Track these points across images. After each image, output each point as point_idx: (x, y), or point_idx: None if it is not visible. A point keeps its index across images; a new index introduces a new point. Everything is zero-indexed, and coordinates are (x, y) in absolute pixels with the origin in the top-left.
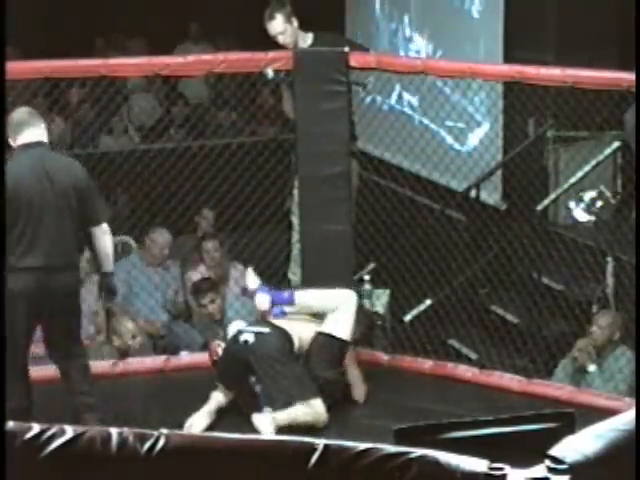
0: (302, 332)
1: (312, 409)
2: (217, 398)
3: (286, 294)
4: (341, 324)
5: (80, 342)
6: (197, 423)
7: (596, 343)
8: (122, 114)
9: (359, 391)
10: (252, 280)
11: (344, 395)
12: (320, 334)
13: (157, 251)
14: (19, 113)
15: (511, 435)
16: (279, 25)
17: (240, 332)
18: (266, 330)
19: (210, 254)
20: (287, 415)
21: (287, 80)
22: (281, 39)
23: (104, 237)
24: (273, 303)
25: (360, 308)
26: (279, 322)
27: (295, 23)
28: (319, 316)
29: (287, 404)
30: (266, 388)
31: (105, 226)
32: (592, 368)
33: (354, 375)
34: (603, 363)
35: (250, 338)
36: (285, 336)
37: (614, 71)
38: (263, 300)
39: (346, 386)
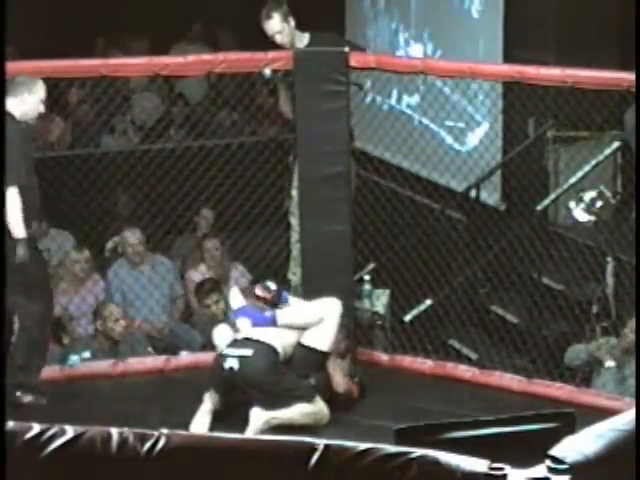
0: (285, 339)
1: (315, 407)
2: (211, 399)
3: (268, 315)
4: (322, 335)
5: (28, 296)
6: (200, 426)
7: (622, 344)
8: (125, 113)
9: (338, 380)
10: (235, 300)
11: (329, 397)
12: (300, 345)
13: (130, 250)
14: (16, 79)
15: (511, 435)
16: (276, 24)
17: (224, 357)
18: (249, 352)
19: (210, 253)
20: (287, 414)
21: (284, 80)
22: (278, 38)
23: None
24: (255, 325)
25: (351, 312)
26: (262, 331)
27: (292, 23)
28: None
29: (288, 404)
30: (264, 398)
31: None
32: (610, 364)
33: (332, 365)
34: (622, 365)
35: (235, 364)
36: (269, 351)
37: (614, 71)
38: (244, 323)
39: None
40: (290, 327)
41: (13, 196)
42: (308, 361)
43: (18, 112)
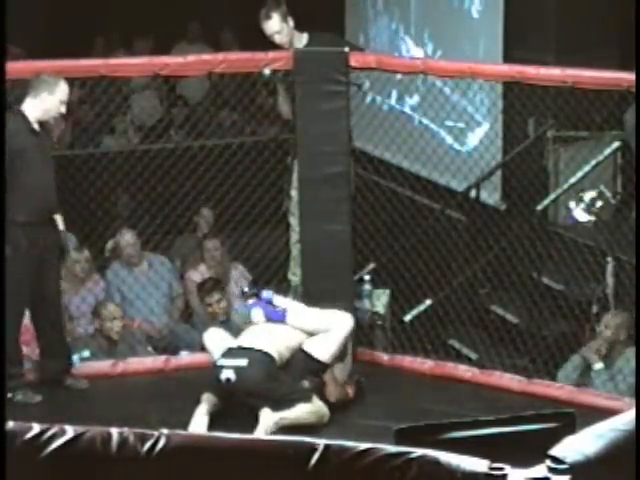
0: (284, 342)
1: (315, 406)
2: (208, 401)
3: (280, 311)
4: (325, 345)
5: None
6: (199, 427)
7: (604, 342)
8: (125, 113)
9: (330, 390)
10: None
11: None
12: (302, 351)
13: (124, 252)
14: (39, 77)
15: (511, 435)
16: (275, 24)
17: (219, 368)
18: (244, 362)
19: (211, 253)
20: (294, 413)
21: (284, 80)
22: (277, 38)
23: None
24: (267, 318)
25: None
26: (260, 332)
27: (291, 23)
28: None
29: (290, 406)
30: (264, 404)
31: None
32: (598, 366)
33: (328, 375)
34: (611, 363)
35: (231, 375)
36: (264, 359)
37: (614, 71)
38: (258, 314)
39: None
40: (297, 328)
41: None
42: (306, 367)
43: (38, 111)
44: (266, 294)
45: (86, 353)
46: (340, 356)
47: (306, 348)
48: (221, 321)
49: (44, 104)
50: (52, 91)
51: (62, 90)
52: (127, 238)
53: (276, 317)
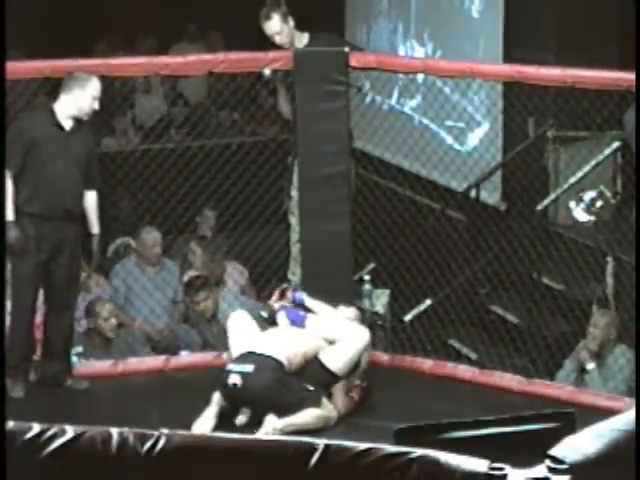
0: (296, 350)
1: (324, 411)
2: (219, 400)
3: (300, 315)
4: (340, 358)
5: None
6: (203, 428)
7: (594, 342)
8: (125, 113)
9: (337, 403)
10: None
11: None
12: (317, 360)
13: (148, 251)
14: (72, 75)
15: (511, 435)
16: (275, 25)
17: (227, 372)
18: (250, 368)
19: (196, 254)
20: (300, 418)
21: (284, 80)
22: (277, 39)
23: None
24: (290, 320)
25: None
26: (276, 336)
27: (291, 23)
28: None
29: (298, 410)
30: (271, 410)
31: None
32: (590, 367)
33: (336, 386)
34: (603, 362)
35: (237, 380)
36: (272, 365)
37: (614, 71)
38: (282, 318)
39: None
40: (315, 334)
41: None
42: (318, 377)
43: (71, 108)
44: (298, 294)
45: (79, 349)
46: (351, 370)
47: (321, 357)
48: (208, 319)
49: (77, 100)
50: (83, 87)
51: (94, 86)
52: (153, 236)
53: (298, 320)
